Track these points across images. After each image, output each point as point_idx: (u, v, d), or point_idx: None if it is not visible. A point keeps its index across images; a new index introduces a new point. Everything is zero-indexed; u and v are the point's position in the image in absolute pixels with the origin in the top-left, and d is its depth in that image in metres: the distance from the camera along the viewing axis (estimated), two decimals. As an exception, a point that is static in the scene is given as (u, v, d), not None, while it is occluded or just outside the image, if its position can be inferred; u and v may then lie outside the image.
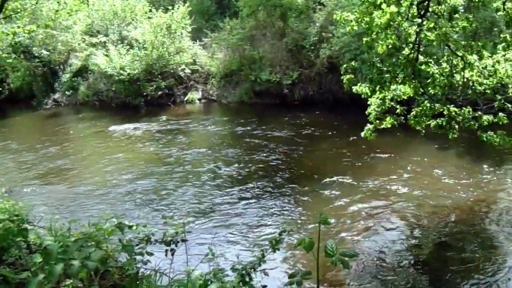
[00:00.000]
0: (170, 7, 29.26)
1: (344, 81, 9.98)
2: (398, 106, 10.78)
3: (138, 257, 5.02)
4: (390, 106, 10.70)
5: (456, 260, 9.95)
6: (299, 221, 11.97)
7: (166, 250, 5.28)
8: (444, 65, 9.86)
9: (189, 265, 5.23)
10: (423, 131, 10.87)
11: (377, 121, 10.60)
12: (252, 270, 4.89)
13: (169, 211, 12.78)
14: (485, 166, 14.80)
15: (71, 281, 4.29)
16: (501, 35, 9.36)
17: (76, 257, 4.05)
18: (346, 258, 4.24)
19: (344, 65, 10.05)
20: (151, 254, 5.04)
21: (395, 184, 13.79)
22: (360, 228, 11.45)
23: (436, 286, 9.24)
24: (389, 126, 10.77)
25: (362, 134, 10.98)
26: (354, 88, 10.37)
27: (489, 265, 9.67)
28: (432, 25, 9.12)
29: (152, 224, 11.37)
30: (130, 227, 5.16)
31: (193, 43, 30.42)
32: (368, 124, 10.90)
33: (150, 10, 30.26)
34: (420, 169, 14.96)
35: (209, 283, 4.66)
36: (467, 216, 11.86)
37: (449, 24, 9.19)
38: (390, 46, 9.10)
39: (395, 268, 9.84)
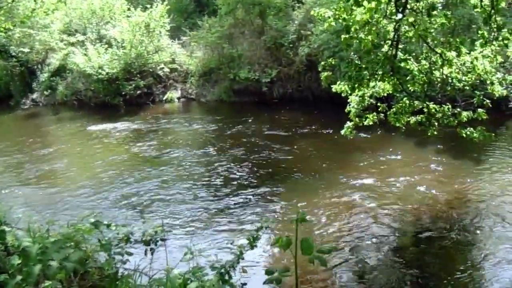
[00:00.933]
0: (148, 6, 28.95)
1: (322, 79, 9.91)
2: (378, 104, 10.73)
3: (118, 257, 4.98)
4: (369, 103, 10.65)
5: (438, 256, 9.94)
6: (279, 218, 11.90)
7: (146, 250, 5.27)
8: (423, 62, 9.82)
9: (169, 264, 5.21)
10: (403, 128, 10.81)
11: (357, 119, 10.55)
12: (231, 268, 4.88)
13: (148, 211, 12.67)
14: (464, 162, 14.88)
15: (50, 282, 4.16)
16: (479, 32, 9.31)
17: (55, 258, 4.09)
18: (324, 255, 4.30)
19: (322, 63, 9.96)
20: (130, 254, 5.03)
21: (375, 181, 13.76)
22: (340, 225, 11.41)
23: (418, 283, 9.18)
24: (370, 123, 10.73)
25: (342, 132, 10.91)
26: (333, 87, 10.34)
27: (470, 260, 9.72)
28: (411, 19, 9.05)
29: (131, 224, 11.27)
30: (108, 226, 5.13)
31: (172, 41, 30.23)
32: (348, 122, 10.82)
33: (129, 9, 30.01)
34: (400, 166, 14.98)
35: (188, 282, 4.63)
36: (448, 212, 11.87)
37: (428, 21, 9.13)
38: (369, 43, 9.03)
39: (376, 264, 9.83)
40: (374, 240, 10.74)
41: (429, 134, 10.34)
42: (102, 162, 17.29)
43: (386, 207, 12.21)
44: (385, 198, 12.66)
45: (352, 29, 8.79)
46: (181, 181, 14.79)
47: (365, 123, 10.71)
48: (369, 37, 8.89)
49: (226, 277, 4.81)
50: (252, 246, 5.11)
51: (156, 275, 5.36)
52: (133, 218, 12.00)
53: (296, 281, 4.60)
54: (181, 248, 9.06)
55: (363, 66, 9.21)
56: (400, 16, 8.81)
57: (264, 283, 4.52)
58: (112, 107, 27.18)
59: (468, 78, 9.68)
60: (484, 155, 15.38)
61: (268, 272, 4.48)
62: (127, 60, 27.94)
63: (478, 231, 10.93)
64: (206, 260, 5.26)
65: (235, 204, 12.94)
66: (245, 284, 5.06)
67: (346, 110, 10.83)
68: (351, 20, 8.76)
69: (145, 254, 5.27)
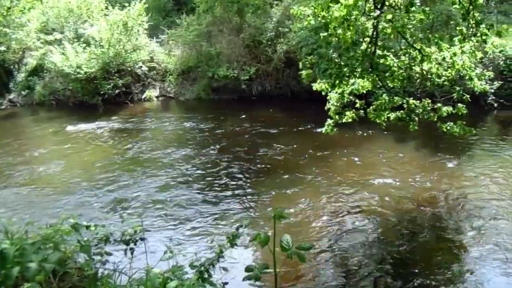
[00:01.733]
0: (126, 4, 28.57)
1: (302, 76, 9.88)
2: (357, 101, 10.72)
3: (97, 257, 4.95)
4: (349, 100, 10.63)
5: (418, 251, 9.96)
6: (258, 216, 11.85)
7: (125, 250, 5.21)
8: (402, 58, 9.81)
9: (148, 264, 5.10)
10: (384, 124, 10.79)
11: (337, 116, 10.52)
12: (211, 266, 4.86)
13: (127, 210, 12.53)
14: (445, 156, 14.96)
15: (29, 284, 4.08)
16: (457, 28, 9.31)
17: (33, 259, 4.08)
18: (302, 252, 4.33)
19: (303, 60, 9.94)
20: (110, 254, 5.01)
21: (355, 177, 13.77)
22: (320, 222, 11.40)
23: (399, 279, 9.15)
24: (349, 120, 10.69)
25: (323, 129, 10.89)
26: (314, 86, 10.30)
27: (451, 256, 9.71)
28: (389, 16, 9.02)
29: (111, 223, 11.08)
30: (87, 227, 5.06)
31: (150, 40, 29.89)
32: (328, 119, 10.79)
33: (106, 7, 29.55)
34: (380, 162, 15.01)
35: (168, 281, 4.54)
36: (429, 207, 11.90)
37: (406, 17, 9.12)
38: (348, 40, 9.00)
39: (356, 260, 9.80)
40: (354, 236, 10.74)
41: (410, 129, 10.34)
42: (81, 162, 17.06)
43: (367, 203, 12.20)
44: (366, 194, 12.65)
45: (331, 26, 8.77)
46: (160, 180, 14.61)
47: (344, 120, 10.68)
48: (348, 34, 8.87)
49: (206, 276, 4.79)
50: (232, 244, 5.07)
51: (136, 274, 5.28)
52: (113, 218, 11.89)
53: (275, 278, 4.66)
54: (161, 247, 9.04)
55: (343, 63, 9.18)
56: (378, 12, 8.79)
57: (243, 280, 4.55)
58: (90, 107, 26.85)
59: (448, 73, 9.70)
60: (464, 149, 15.51)
61: (248, 269, 4.52)
62: (105, 59, 27.55)
63: (459, 225, 11.01)
64: (186, 259, 5.16)
65: (214, 202, 12.87)
66: (226, 283, 5.06)
67: (326, 107, 10.82)
68: (330, 18, 8.74)
69: (125, 254, 5.21)
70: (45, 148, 19.52)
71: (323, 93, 10.37)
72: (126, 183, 14.53)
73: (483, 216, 11.23)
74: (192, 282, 4.61)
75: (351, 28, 8.82)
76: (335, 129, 10.76)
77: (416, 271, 9.22)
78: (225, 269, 5.00)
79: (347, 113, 10.63)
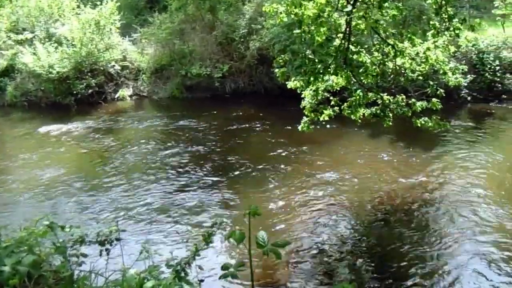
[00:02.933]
0: (98, 3, 28.16)
1: (277, 74, 9.78)
2: (331, 98, 10.68)
3: (73, 259, 4.92)
4: (323, 97, 10.60)
5: (395, 247, 9.96)
6: (234, 213, 11.79)
7: (101, 250, 5.21)
8: (376, 53, 9.78)
9: (125, 264, 5.24)
10: (359, 120, 10.73)
11: (313, 114, 10.48)
12: (187, 265, 4.84)
13: (102, 211, 12.36)
14: (420, 151, 15.14)
15: (3, 288, 4.01)
16: (430, 23, 9.29)
17: (7, 263, 4.07)
18: (278, 248, 4.36)
19: (277, 58, 9.83)
20: (85, 255, 5.00)
21: (331, 173, 13.77)
22: (296, 218, 11.42)
23: (376, 274, 9.20)
24: (326, 118, 10.64)
25: (299, 127, 10.84)
26: (289, 84, 10.23)
27: (428, 251, 9.74)
28: (362, 12, 8.97)
29: (86, 224, 11.15)
30: (62, 228, 5.01)
31: (123, 39, 29.42)
32: (304, 117, 10.73)
33: (78, 6, 29.11)
34: (356, 158, 15.08)
35: (145, 281, 4.54)
36: (405, 202, 11.97)
37: (379, 13, 9.08)
38: (322, 37, 8.95)
39: (332, 255, 9.83)
40: (329, 231, 10.80)
41: (384, 125, 10.31)
42: (54, 163, 16.68)
43: (342, 199, 12.26)
44: (341, 190, 12.69)
45: (304, 23, 8.71)
46: (135, 179, 14.45)
47: (321, 118, 10.66)
48: (321, 31, 8.81)
49: (182, 274, 4.75)
50: (207, 242, 5.07)
51: (112, 275, 5.24)
52: (88, 219, 11.77)
53: (251, 275, 4.71)
54: (137, 247, 8.88)
55: (317, 60, 9.12)
56: (350, 8, 8.74)
57: (219, 278, 4.57)
58: (63, 107, 26.38)
59: (422, 68, 9.71)
60: (439, 143, 15.66)
61: (224, 267, 4.54)
62: (77, 58, 27.01)
63: (433, 219, 11.15)
64: (163, 259, 5.12)
65: (190, 200, 12.75)
66: (202, 280, 5.07)
67: (301, 105, 10.77)
68: (302, 14, 8.68)
69: (100, 254, 5.19)
70: (16, 149, 19.16)
71: (298, 91, 10.30)
72: (100, 183, 14.32)
73: (458, 206, 11.50)
74: (169, 281, 4.57)
75: (323, 24, 8.76)
76: (311, 127, 10.71)
77: (391, 263, 9.30)
78: (200, 267, 4.98)
79: (324, 111, 10.58)
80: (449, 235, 10.20)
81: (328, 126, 14.80)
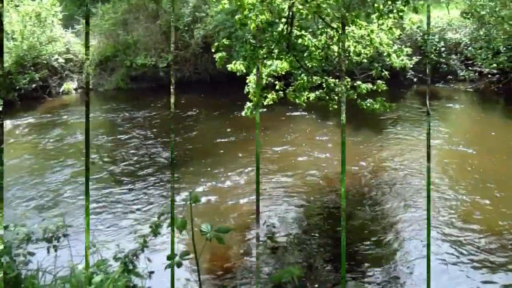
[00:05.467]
0: (38, -6, 27.38)
1: (216, 59, 9.52)
2: (276, 82, 10.47)
3: (19, 259, 4.89)
4: (268, 82, 10.42)
5: (351, 232, 9.81)
6: (182, 203, 11.41)
7: (48, 247, 5.20)
8: (320, 37, 9.59)
9: (73, 260, 5.34)
10: (304, 104, 10.52)
11: (255, 99, 10.31)
12: (134, 257, 4.91)
13: (48, 207, 11.94)
14: (367, 132, 15.48)
15: None
16: (375, 5, 9.14)
17: None
18: (221, 234, 4.54)
19: (216, 43, 9.57)
20: (32, 254, 5.00)
21: (278, 158, 13.84)
22: (244, 204, 11.36)
23: (325, 257, 9.24)
24: (270, 103, 10.46)
25: (243, 113, 10.63)
26: (229, 67, 10.01)
27: (378, 233, 9.86)
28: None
29: (31, 222, 10.41)
30: (6, 227, 4.99)
31: (66, 31, 28.49)
32: (248, 102, 10.53)
33: (17, -3, 28.30)
34: (302, 142, 15.18)
35: (94, 276, 4.58)
36: (355, 181, 12.16)
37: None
38: (263, 22, 8.73)
39: (281, 241, 9.76)
40: (278, 217, 10.76)
41: (330, 108, 10.15)
42: (-4, 161, 16.11)
43: (290, 184, 12.28)
44: (289, 175, 12.76)
45: (246, 8, 8.48)
46: (81, 173, 13.84)
47: (265, 103, 10.48)
48: (263, 16, 8.60)
49: (131, 267, 4.80)
50: (155, 233, 5.12)
51: (60, 272, 5.27)
52: (33, 216, 11.27)
53: (196, 262, 4.97)
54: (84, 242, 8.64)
55: (258, 45, 8.89)
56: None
57: (165, 268, 4.77)
58: (6, 103, 25.46)
59: (367, 51, 9.58)
60: (386, 124, 15.92)
61: (169, 257, 4.78)
62: (18, 52, 26.08)
63: (383, 200, 11.28)
64: (111, 252, 5.08)
65: (137, 192, 12.52)
66: (152, 272, 5.10)
67: (245, 90, 10.58)
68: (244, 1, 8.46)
69: (48, 252, 5.16)
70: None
71: (238, 74, 10.14)
72: (44, 179, 13.80)
73: (407, 184, 11.86)
74: (117, 274, 4.60)
75: (265, 10, 8.56)
76: (254, 112, 10.51)
77: (339, 245, 9.17)
78: (149, 259, 5.08)
79: (268, 96, 10.42)
80: (398, 214, 10.38)
81: (274, 111, 14.73)
